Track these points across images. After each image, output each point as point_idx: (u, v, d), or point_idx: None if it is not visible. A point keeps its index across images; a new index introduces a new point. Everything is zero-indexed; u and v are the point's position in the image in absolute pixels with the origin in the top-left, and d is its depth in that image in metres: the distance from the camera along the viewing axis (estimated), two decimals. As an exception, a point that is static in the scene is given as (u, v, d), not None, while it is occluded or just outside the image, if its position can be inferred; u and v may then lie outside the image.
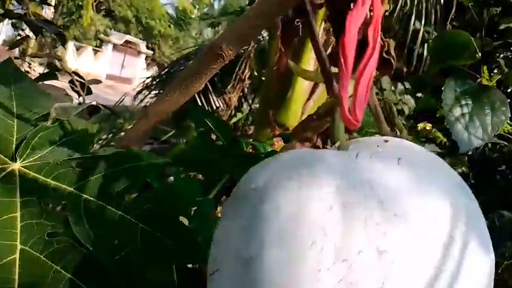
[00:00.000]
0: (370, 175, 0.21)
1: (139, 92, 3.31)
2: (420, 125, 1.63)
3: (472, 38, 0.69)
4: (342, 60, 0.21)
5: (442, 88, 0.55)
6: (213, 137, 0.58)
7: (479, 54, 0.70)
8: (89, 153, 0.35)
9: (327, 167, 0.21)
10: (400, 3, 2.04)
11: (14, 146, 0.36)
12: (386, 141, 0.23)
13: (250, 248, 0.20)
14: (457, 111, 0.56)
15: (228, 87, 2.60)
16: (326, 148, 0.26)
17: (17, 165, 0.34)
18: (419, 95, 2.15)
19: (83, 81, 1.24)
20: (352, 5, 0.24)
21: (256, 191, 0.22)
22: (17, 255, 0.28)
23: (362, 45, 0.23)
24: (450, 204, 0.21)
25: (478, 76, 0.67)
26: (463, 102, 0.57)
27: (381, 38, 0.24)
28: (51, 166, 0.34)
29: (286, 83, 1.17)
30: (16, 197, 0.31)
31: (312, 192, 0.20)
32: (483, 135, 0.55)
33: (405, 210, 0.20)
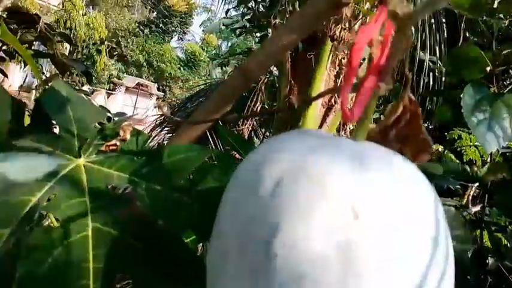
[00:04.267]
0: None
1: (152, 130, 3.45)
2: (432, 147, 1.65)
3: (482, 52, 0.73)
4: (348, 65, 0.26)
5: (461, 96, 0.58)
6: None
7: (490, 67, 0.74)
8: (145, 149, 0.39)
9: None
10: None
11: (76, 146, 0.40)
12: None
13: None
14: (477, 117, 0.59)
15: (240, 120, 2.67)
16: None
17: (81, 161, 0.37)
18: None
19: (110, 115, 1.32)
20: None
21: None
22: (90, 233, 0.31)
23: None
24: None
25: (492, 86, 0.71)
26: (482, 108, 0.60)
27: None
28: (113, 160, 0.37)
29: (297, 113, 1.21)
30: (84, 185, 0.34)
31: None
32: (504, 137, 0.57)
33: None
